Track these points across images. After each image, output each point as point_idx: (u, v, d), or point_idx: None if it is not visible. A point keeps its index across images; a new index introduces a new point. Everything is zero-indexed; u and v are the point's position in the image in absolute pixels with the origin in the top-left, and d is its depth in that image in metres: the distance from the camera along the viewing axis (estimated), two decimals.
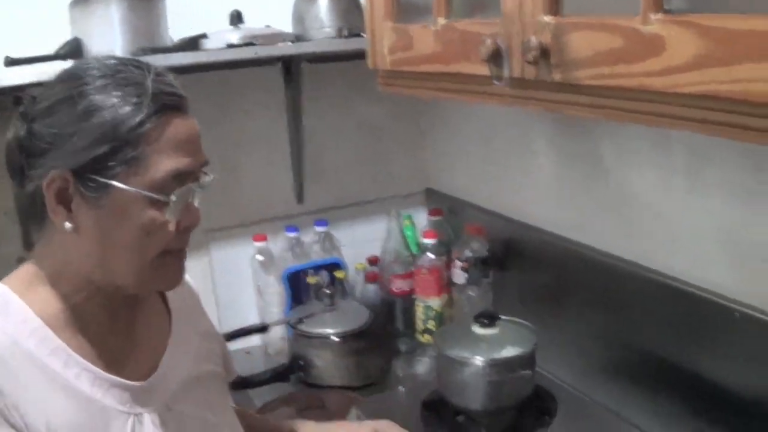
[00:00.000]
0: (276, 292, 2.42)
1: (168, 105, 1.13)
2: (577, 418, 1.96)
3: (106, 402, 1.19)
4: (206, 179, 1.19)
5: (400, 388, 2.20)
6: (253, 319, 2.42)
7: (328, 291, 2.27)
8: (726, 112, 1.04)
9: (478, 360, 1.85)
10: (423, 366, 2.29)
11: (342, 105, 2.53)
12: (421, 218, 2.61)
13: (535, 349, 1.90)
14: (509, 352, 1.88)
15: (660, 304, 1.82)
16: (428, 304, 2.34)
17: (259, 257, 2.40)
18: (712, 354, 1.71)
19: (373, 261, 2.47)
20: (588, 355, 2.07)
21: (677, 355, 1.80)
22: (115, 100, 1.10)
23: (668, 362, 1.83)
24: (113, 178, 1.10)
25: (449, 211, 2.54)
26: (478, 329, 1.92)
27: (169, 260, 1.18)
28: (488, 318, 1.92)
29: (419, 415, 1.98)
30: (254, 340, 2.41)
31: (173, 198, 1.13)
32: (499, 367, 1.85)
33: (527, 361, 1.89)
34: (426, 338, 2.36)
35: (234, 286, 2.44)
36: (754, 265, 1.63)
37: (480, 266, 2.28)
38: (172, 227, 1.14)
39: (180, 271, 1.22)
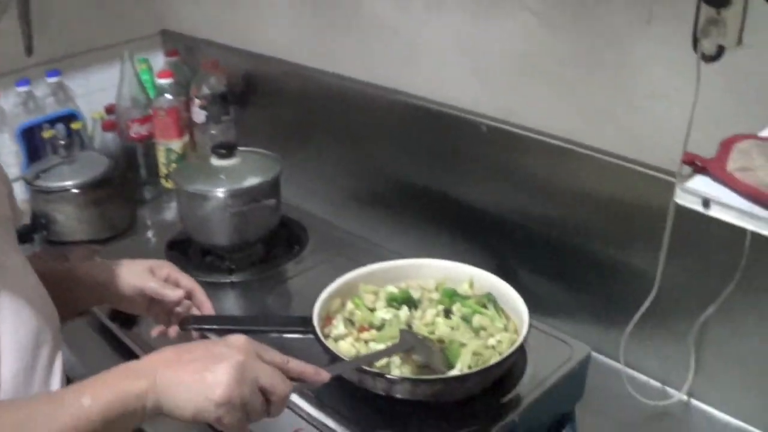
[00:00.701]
0: (11, 152, 2.27)
1: None
2: (328, 246, 1.94)
3: None
4: None
5: (148, 234, 2.13)
6: None
7: (63, 143, 2.14)
8: None
9: (219, 192, 1.80)
10: (171, 212, 2.23)
11: None
12: (159, 61, 2.50)
13: (278, 177, 1.87)
14: (251, 181, 1.83)
15: (407, 125, 1.83)
16: (169, 146, 2.26)
17: None
18: (462, 171, 1.74)
19: (110, 109, 2.35)
20: (337, 184, 2.07)
21: (427, 176, 1.82)
22: None
23: (418, 184, 1.85)
24: None
25: (186, 51, 2.44)
26: (217, 161, 1.85)
27: None
28: (226, 148, 1.85)
29: (164, 257, 1.90)
30: None
31: None
32: (242, 197, 1.81)
33: (271, 189, 1.85)
34: (171, 183, 2.27)
35: None
36: (495, 78, 1.65)
37: (219, 103, 2.22)
38: None
39: None
